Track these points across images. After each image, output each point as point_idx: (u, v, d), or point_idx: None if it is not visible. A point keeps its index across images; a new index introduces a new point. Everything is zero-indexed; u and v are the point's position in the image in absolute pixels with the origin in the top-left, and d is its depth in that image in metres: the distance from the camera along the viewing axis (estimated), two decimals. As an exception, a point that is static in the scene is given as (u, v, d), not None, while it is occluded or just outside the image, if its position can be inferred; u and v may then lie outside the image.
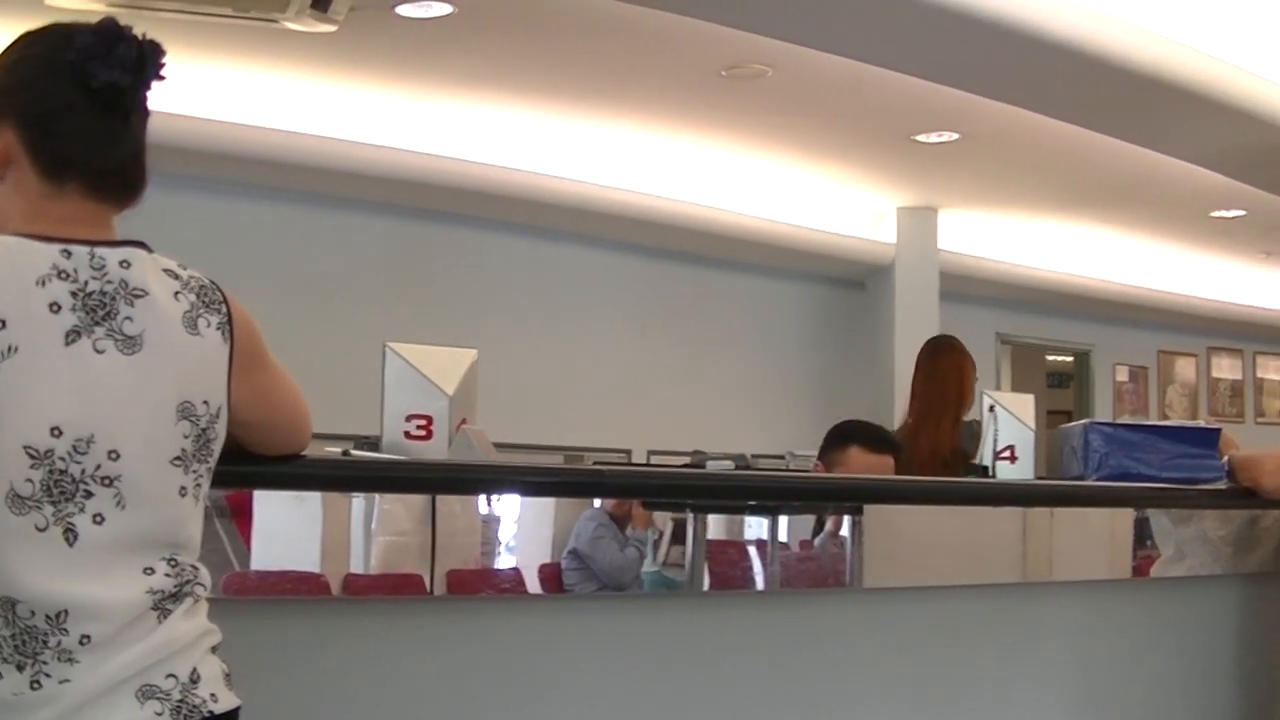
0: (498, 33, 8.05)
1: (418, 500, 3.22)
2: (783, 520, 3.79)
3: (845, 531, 3.86)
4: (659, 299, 12.02)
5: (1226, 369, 17.96)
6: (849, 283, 13.23)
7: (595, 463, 7.57)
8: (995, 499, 4.21)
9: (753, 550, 3.81)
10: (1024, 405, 4.42)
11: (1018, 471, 4.30)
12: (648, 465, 9.14)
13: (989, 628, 4.07)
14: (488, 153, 9.91)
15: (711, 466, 6.10)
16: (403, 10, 7.50)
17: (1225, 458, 4.33)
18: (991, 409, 4.37)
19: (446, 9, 7.51)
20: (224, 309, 2.40)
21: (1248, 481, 4.22)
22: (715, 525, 3.74)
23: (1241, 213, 12.72)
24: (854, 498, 3.86)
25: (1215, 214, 12.90)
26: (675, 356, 12.04)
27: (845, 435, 5.16)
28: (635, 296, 11.86)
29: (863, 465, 4.97)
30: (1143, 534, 4.83)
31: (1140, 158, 9.69)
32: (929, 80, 7.78)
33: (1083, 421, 4.44)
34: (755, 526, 3.80)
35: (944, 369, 6.40)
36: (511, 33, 8.07)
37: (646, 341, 11.87)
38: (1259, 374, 18.30)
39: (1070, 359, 16.72)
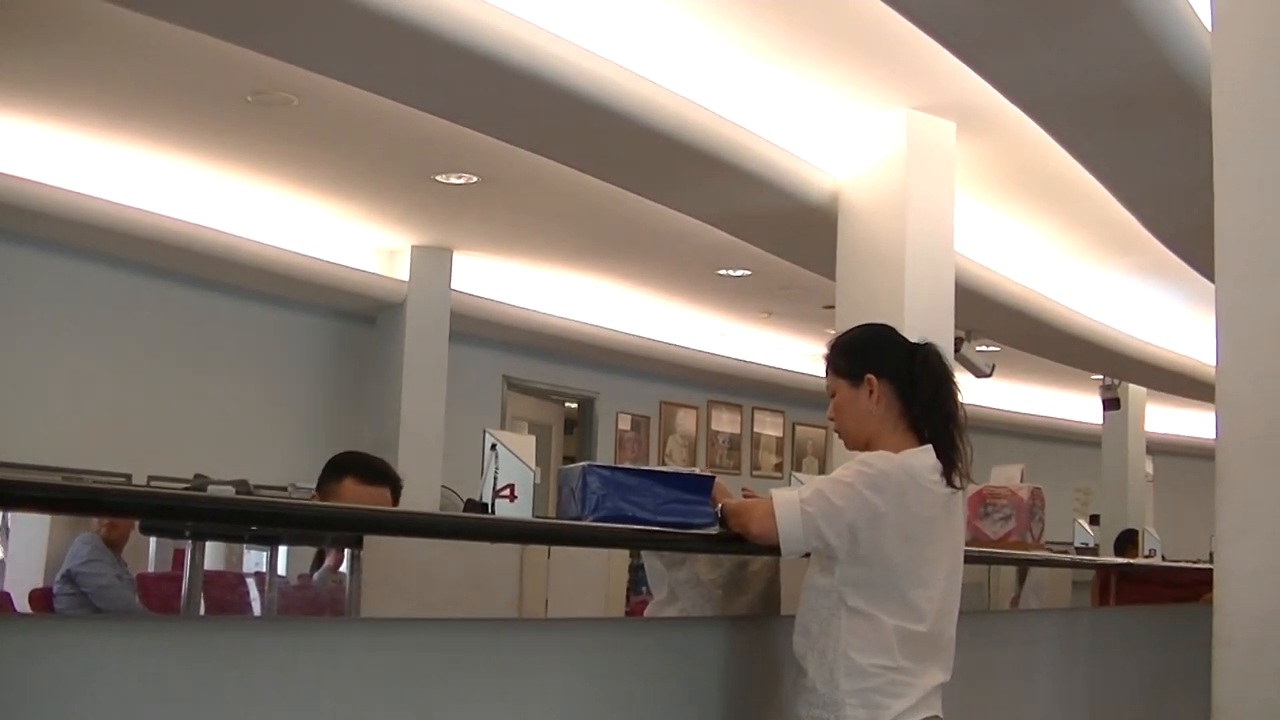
0: (12, 34, 7.81)
1: (-100, 521, 3.09)
2: (282, 550, 3.76)
3: (345, 560, 3.85)
4: (167, 321, 11.83)
5: (726, 422, 18.54)
6: (360, 318, 13.25)
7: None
8: (492, 535, 4.26)
9: (251, 580, 3.77)
10: (525, 445, 4.50)
11: (516, 510, 4.36)
12: (148, 486, 8.97)
13: (485, 661, 4.10)
14: (-4, 160, 9.61)
15: (212, 490, 6.01)
16: (-90, 1, 7.23)
17: (719, 505, 4.49)
18: (494, 448, 4.43)
19: (-40, 5, 7.27)
20: None
21: (738, 528, 4.38)
22: (215, 554, 3.68)
23: (746, 272, 13.16)
24: (354, 527, 3.84)
25: (721, 272, 13.31)
26: (181, 381, 11.87)
27: (341, 466, 5.13)
28: (142, 317, 11.64)
29: (358, 497, 4.95)
30: (639, 578, 4.96)
31: (653, 213, 9.92)
32: (448, 120, 7.81)
33: (581, 464, 4.53)
34: (255, 556, 3.76)
35: None
36: (29, 37, 7.84)
37: (152, 364, 11.67)
38: (756, 428, 18.96)
39: (575, 405, 17.01)
